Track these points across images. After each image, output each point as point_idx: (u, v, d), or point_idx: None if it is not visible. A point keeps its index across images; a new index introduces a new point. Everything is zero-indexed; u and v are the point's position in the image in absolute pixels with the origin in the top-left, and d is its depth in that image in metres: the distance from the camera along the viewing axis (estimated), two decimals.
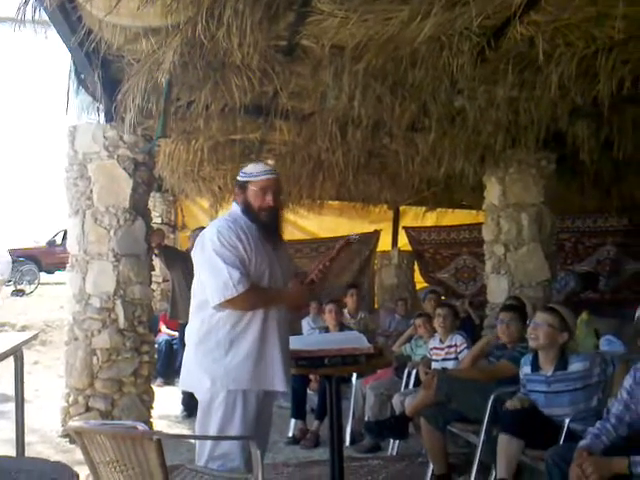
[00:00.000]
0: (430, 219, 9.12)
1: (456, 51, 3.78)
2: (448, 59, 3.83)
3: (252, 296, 2.41)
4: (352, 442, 4.37)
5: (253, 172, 2.55)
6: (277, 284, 2.54)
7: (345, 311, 5.73)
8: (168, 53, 3.58)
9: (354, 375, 4.59)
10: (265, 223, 2.53)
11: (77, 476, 0.99)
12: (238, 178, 2.60)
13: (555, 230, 5.57)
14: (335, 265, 2.72)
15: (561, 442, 2.78)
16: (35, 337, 4.57)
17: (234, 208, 2.61)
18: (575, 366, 2.98)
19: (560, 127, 4.94)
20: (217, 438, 2.42)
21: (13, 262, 12.94)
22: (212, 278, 2.40)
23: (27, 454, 3.28)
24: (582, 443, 2.45)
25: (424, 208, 8.78)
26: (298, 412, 4.57)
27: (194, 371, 2.47)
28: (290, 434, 4.52)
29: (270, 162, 5.65)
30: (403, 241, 9.36)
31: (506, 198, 5.39)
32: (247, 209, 2.54)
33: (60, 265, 12.53)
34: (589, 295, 6.87)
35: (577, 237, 8.37)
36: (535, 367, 3.09)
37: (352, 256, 9.00)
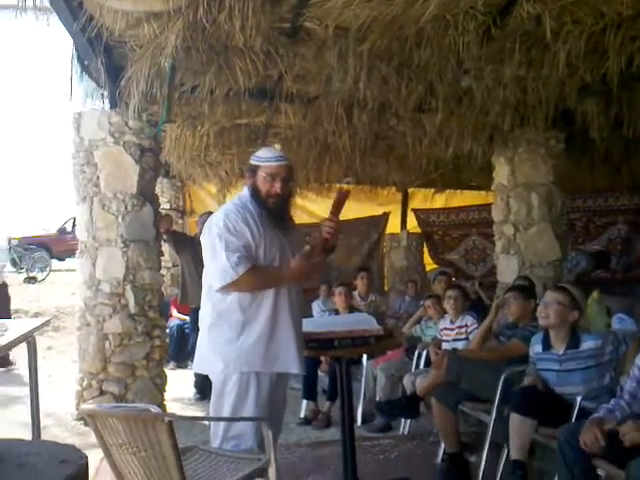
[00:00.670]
0: (439, 201, 9.08)
1: (462, 30, 3.74)
2: (454, 38, 3.79)
3: (253, 277, 2.40)
4: (363, 422, 4.40)
5: (264, 157, 2.53)
6: (286, 268, 2.53)
7: (355, 294, 5.74)
8: (170, 37, 3.57)
9: (364, 356, 4.61)
10: (272, 210, 2.51)
11: (86, 457, 1.01)
12: (250, 162, 2.58)
13: (565, 209, 5.52)
14: (338, 221, 2.62)
15: (573, 420, 2.78)
16: (47, 323, 4.63)
17: (244, 192, 2.60)
18: (587, 344, 2.97)
19: (569, 105, 4.89)
20: (229, 419, 2.44)
21: (25, 249, 13.06)
22: (213, 262, 2.42)
23: (43, 437, 3.34)
24: (595, 415, 2.45)
25: (433, 190, 8.74)
26: (309, 393, 4.60)
27: (207, 354, 2.49)
28: (302, 415, 4.57)
29: (277, 146, 5.63)
30: (412, 223, 9.33)
31: (515, 178, 5.34)
32: (255, 194, 2.53)
33: (71, 252, 12.61)
34: (600, 274, 6.83)
35: (588, 216, 8.30)
36: (546, 346, 3.09)
37: (361, 239, 8.99)
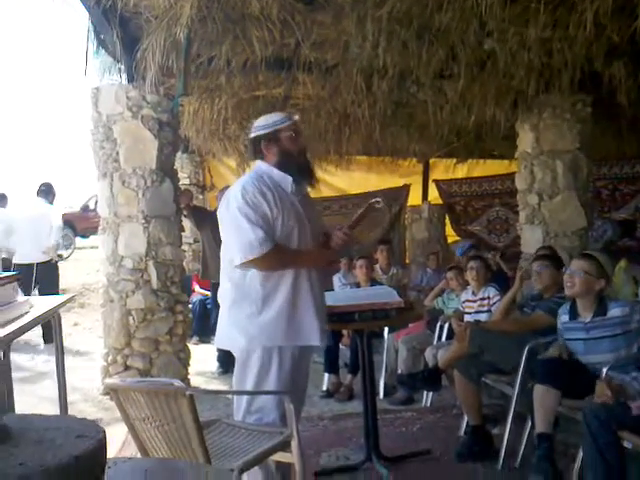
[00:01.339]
0: (461, 171, 8.95)
1: None
2: (476, 0, 3.65)
3: (275, 256, 2.37)
4: (385, 395, 4.41)
5: (277, 119, 2.50)
6: (306, 240, 2.49)
7: (377, 267, 5.70)
8: (185, 7, 3.51)
9: (386, 329, 4.59)
10: (306, 165, 2.53)
11: (104, 432, 0.99)
12: (260, 132, 2.50)
13: (591, 177, 5.38)
14: (357, 229, 2.68)
15: None
16: (72, 299, 4.67)
17: (259, 165, 2.54)
18: (614, 311, 2.90)
19: (596, 68, 4.70)
20: (250, 393, 2.44)
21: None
22: (236, 237, 2.38)
23: (70, 412, 3.40)
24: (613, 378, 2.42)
25: (454, 160, 8.61)
26: (331, 367, 4.61)
27: (229, 330, 2.47)
28: (324, 388, 4.58)
29: (296, 117, 5.56)
30: (434, 194, 9.23)
31: (540, 145, 5.20)
32: (287, 158, 2.47)
33: (94, 229, 12.74)
34: (627, 243, 6.69)
35: (614, 184, 8.11)
36: (573, 315, 3.03)
37: (382, 212, 8.92)
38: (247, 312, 2.41)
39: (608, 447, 2.36)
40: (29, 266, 5.97)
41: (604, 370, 2.78)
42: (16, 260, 6.20)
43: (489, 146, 7.62)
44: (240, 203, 2.36)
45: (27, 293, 4.83)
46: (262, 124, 2.52)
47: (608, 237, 5.86)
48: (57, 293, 5.72)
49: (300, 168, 2.49)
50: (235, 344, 2.47)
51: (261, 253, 2.32)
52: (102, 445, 0.96)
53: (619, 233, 6.12)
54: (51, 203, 6.51)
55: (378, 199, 2.73)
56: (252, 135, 2.55)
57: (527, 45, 4.28)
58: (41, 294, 5.70)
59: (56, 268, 6.48)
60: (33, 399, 4.34)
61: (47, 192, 6.48)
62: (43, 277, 6.09)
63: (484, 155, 8.36)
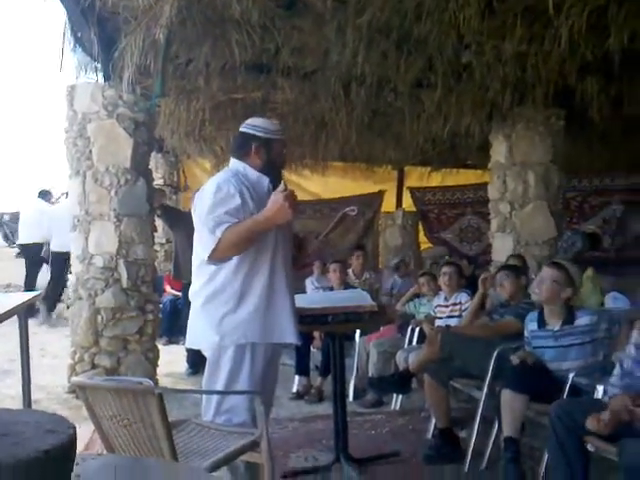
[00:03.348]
0: (435, 179, 9.04)
1: (463, 3, 3.67)
2: (454, 12, 3.73)
3: (230, 234, 2.30)
4: (355, 397, 4.43)
5: (275, 129, 2.53)
6: (283, 240, 2.50)
7: (350, 272, 5.73)
8: (165, 8, 3.49)
9: (357, 332, 4.62)
10: (279, 179, 2.53)
11: (74, 428, 0.98)
12: (257, 134, 2.49)
13: (562, 189, 5.50)
14: (332, 236, 2.72)
15: (565, 396, 2.79)
16: (38, 297, 4.61)
17: (235, 164, 2.53)
18: (582, 320, 2.98)
19: (569, 83, 4.83)
20: (220, 392, 2.43)
21: (17, 224, 12.97)
22: (199, 233, 2.40)
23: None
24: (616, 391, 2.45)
25: (429, 168, 8.69)
26: (302, 369, 4.62)
27: (202, 328, 2.45)
28: (294, 390, 4.58)
29: (274, 122, 5.57)
30: (408, 202, 9.31)
31: (513, 156, 5.31)
32: (270, 168, 2.49)
33: None
34: (594, 254, 6.84)
35: (583, 196, 8.30)
36: (541, 323, 3.10)
37: (356, 217, 8.96)
38: (222, 309, 2.40)
39: (573, 451, 2.42)
40: (65, 254, 6.29)
41: (570, 376, 2.84)
42: (53, 248, 7.45)
43: (463, 156, 7.73)
44: (211, 202, 2.35)
45: (63, 279, 6.17)
46: (260, 126, 2.52)
47: (577, 248, 5.97)
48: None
49: (276, 178, 2.51)
50: (207, 342, 2.45)
51: (217, 240, 2.30)
52: (72, 440, 0.95)
53: (588, 245, 6.26)
54: None
55: (353, 208, 2.76)
56: (246, 131, 2.53)
57: (503, 59, 4.38)
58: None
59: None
60: None
61: None
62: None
63: (458, 164, 8.47)
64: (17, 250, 12.30)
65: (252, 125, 2.53)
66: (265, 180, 2.48)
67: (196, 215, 2.44)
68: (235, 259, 2.39)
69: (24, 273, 8.00)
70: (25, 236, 8.09)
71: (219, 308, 2.41)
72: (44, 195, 8.37)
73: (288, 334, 2.47)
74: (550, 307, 3.06)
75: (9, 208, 14.13)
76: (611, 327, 2.99)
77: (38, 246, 7.90)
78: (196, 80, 4.70)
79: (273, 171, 2.50)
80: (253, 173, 2.49)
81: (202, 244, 2.38)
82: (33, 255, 7.99)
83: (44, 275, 8.01)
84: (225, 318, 2.39)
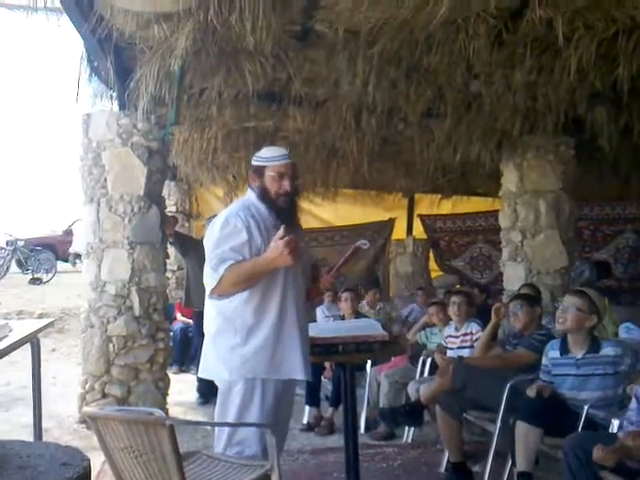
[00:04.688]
0: (445, 207, 9.04)
1: (472, 34, 3.71)
2: (464, 43, 3.77)
3: (231, 273, 2.31)
4: (367, 429, 4.36)
5: (269, 156, 2.50)
6: (294, 274, 2.49)
7: (364, 302, 5.71)
8: (180, 39, 3.56)
9: (368, 363, 4.58)
10: (282, 209, 2.47)
11: (88, 460, 0.98)
12: (253, 162, 2.55)
13: (574, 217, 5.48)
14: (344, 269, 2.72)
15: (579, 430, 2.74)
16: (52, 324, 4.61)
17: (248, 194, 2.56)
18: (607, 350, 2.94)
19: (579, 112, 4.85)
20: (232, 425, 2.42)
21: (30, 251, 13.09)
22: (208, 268, 2.40)
23: (45, 439, 3.32)
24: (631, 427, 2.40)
25: (439, 196, 8.70)
26: (312, 399, 4.57)
27: (212, 360, 2.46)
28: (305, 421, 4.53)
29: (278, 149, 5.60)
30: (418, 229, 9.30)
31: (523, 184, 5.31)
32: (264, 195, 2.49)
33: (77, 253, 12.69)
34: (607, 283, 6.79)
35: (595, 224, 8.25)
36: (564, 350, 3.06)
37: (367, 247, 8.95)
38: (231, 343, 2.39)
39: None
40: None
41: (585, 408, 2.79)
42: None
43: (473, 184, 7.73)
44: (218, 236, 2.37)
45: None
46: (259, 155, 2.54)
47: (585, 278, 5.93)
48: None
49: (277, 210, 2.47)
50: (218, 375, 2.45)
51: (219, 276, 2.32)
52: (87, 473, 0.95)
53: (596, 274, 6.21)
54: None
55: (364, 241, 2.77)
56: (253, 162, 2.57)
57: (513, 88, 4.42)
58: None
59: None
60: (7, 426, 4.24)
61: None
62: None
63: (469, 192, 8.47)
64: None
65: (255, 155, 2.57)
66: (271, 212, 2.47)
67: (206, 246, 2.46)
68: (246, 292, 2.39)
69: None
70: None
71: (228, 341, 2.40)
72: None
73: (297, 370, 2.44)
74: (574, 336, 3.02)
75: (23, 234, 14.27)
76: (636, 362, 2.94)
77: None
78: (209, 109, 4.77)
79: (267, 199, 2.48)
80: (259, 202, 2.50)
81: (207, 278, 2.39)
82: None
83: None
84: (234, 352, 2.38)
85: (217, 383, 2.48)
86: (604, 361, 2.92)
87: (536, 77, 4.28)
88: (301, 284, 2.56)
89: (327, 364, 4.61)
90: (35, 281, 12.20)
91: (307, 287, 2.65)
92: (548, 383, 3.06)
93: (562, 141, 5.24)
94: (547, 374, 3.11)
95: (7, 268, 12.60)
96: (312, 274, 2.69)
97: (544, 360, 3.15)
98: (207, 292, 2.42)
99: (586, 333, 3.00)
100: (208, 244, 2.42)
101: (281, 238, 2.26)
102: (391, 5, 3.40)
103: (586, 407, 2.81)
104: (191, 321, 6.20)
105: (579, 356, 2.98)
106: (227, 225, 2.38)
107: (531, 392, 2.91)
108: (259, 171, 2.51)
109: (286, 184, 2.46)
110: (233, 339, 2.39)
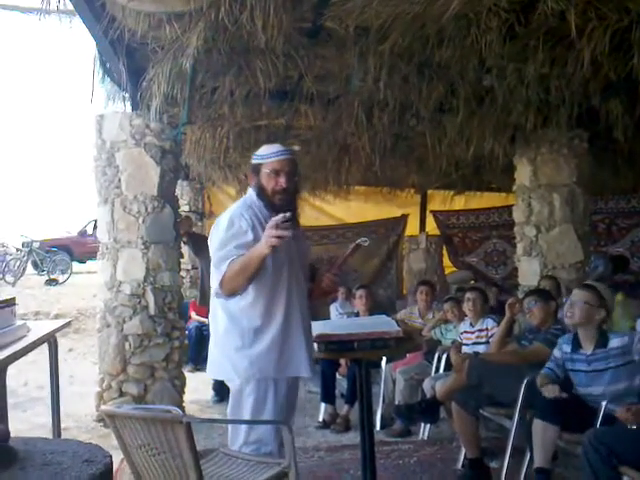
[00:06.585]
0: (458, 202, 9.00)
1: (484, 28, 3.68)
2: (476, 37, 3.74)
3: (231, 268, 2.29)
4: (383, 426, 4.36)
5: (265, 154, 2.46)
6: (296, 273, 2.48)
7: (416, 310, 5.46)
8: (192, 39, 3.57)
9: (384, 360, 4.57)
10: (280, 207, 2.36)
11: (110, 457, 0.99)
12: (251, 161, 2.52)
13: (588, 211, 5.43)
14: (345, 267, 2.70)
15: (598, 425, 2.71)
16: (68, 324, 4.65)
17: (249, 194, 2.53)
18: (614, 342, 2.92)
19: (593, 105, 4.80)
20: (249, 422, 2.42)
21: (46, 252, 13.22)
22: (211, 269, 2.39)
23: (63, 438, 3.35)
24: None
25: (452, 191, 8.66)
26: (328, 397, 4.57)
27: (221, 361, 2.45)
28: (320, 418, 4.53)
29: (296, 147, 5.60)
30: (431, 225, 9.27)
31: (537, 178, 5.27)
32: (261, 193, 2.45)
33: (91, 254, 12.78)
34: (624, 277, 6.71)
35: (611, 218, 8.17)
36: (576, 346, 3.04)
37: (380, 241, 8.95)
38: (237, 343, 2.38)
39: None
40: None
41: (603, 403, 2.77)
42: None
43: (487, 179, 7.68)
44: (223, 237, 2.35)
45: None
46: (256, 153, 2.52)
47: (599, 272, 5.86)
48: None
49: (273, 208, 2.40)
50: (225, 375, 2.45)
51: (222, 274, 2.30)
52: (109, 469, 0.96)
53: (611, 268, 6.13)
54: None
55: (364, 238, 2.74)
56: (251, 161, 2.55)
57: (525, 81, 4.37)
58: None
59: None
60: (26, 425, 4.28)
61: None
62: None
63: (482, 187, 8.42)
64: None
65: (254, 153, 2.54)
66: (269, 210, 2.43)
67: (210, 245, 2.44)
68: (252, 293, 2.37)
69: None
70: None
71: (234, 342, 2.39)
72: None
73: (302, 368, 2.44)
74: (584, 330, 3.00)
75: (38, 236, 14.42)
76: None
77: None
78: (221, 108, 4.78)
79: (263, 197, 2.44)
80: (259, 201, 2.47)
81: (212, 278, 2.39)
82: None
83: None
84: (240, 354, 2.37)
85: (227, 383, 2.48)
86: (613, 354, 2.90)
87: (549, 70, 4.23)
88: (304, 284, 2.55)
89: (342, 361, 4.61)
90: (51, 282, 12.32)
91: (307, 287, 2.63)
92: (555, 375, 3.04)
93: (576, 134, 5.19)
94: (560, 367, 3.08)
95: (23, 269, 12.73)
96: (310, 273, 2.68)
97: (556, 352, 3.13)
98: (212, 291, 2.40)
99: (595, 327, 2.98)
100: (213, 244, 2.40)
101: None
102: (402, 0, 3.38)
103: (604, 403, 2.78)
104: (206, 320, 6.22)
105: (589, 352, 2.97)
106: (232, 226, 2.36)
107: (547, 392, 2.89)
108: (256, 169, 2.48)
109: (282, 181, 2.40)
110: (239, 340, 2.38)
